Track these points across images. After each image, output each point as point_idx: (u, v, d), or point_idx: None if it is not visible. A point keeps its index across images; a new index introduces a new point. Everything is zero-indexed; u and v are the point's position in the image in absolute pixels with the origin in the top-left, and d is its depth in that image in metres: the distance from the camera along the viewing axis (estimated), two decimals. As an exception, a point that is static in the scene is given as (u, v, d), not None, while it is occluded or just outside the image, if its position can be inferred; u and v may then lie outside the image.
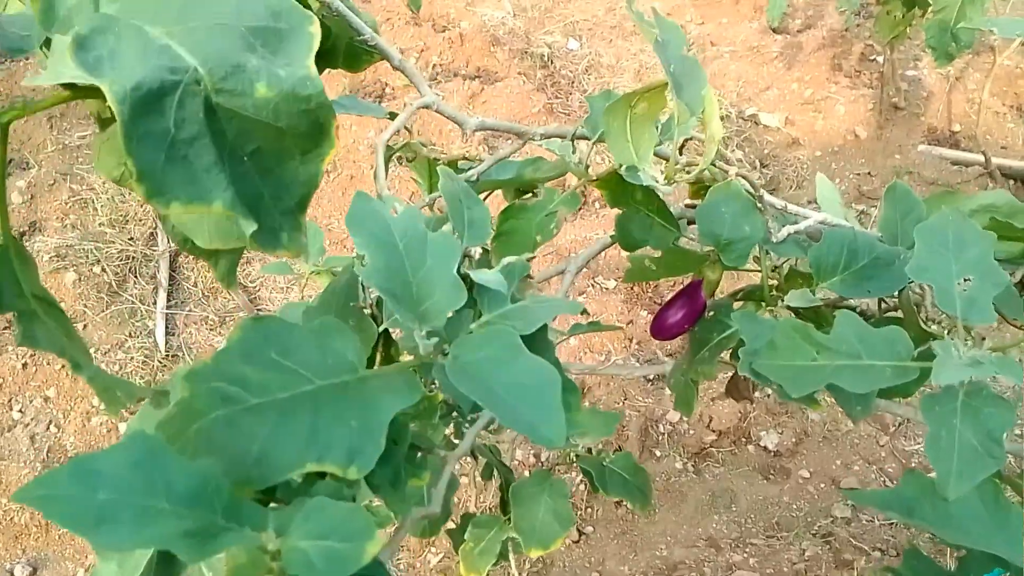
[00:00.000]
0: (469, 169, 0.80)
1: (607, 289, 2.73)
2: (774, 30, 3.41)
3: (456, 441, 0.68)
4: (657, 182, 0.60)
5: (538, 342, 0.50)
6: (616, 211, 0.80)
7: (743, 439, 2.42)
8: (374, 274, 0.45)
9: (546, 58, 3.39)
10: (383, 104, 3.21)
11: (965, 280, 0.62)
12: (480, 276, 0.47)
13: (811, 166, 2.97)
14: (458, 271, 0.48)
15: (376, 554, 0.35)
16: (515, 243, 0.68)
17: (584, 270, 2.87)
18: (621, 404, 2.44)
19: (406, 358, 0.69)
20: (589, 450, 1.04)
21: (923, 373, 0.65)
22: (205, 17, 0.40)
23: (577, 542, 2.23)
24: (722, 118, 3.12)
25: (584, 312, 0.50)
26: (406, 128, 0.72)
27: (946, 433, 0.59)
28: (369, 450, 0.40)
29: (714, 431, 2.42)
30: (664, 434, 2.43)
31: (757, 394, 2.50)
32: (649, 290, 2.66)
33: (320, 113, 0.41)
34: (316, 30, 0.43)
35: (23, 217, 2.75)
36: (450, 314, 0.47)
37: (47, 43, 0.43)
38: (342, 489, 0.38)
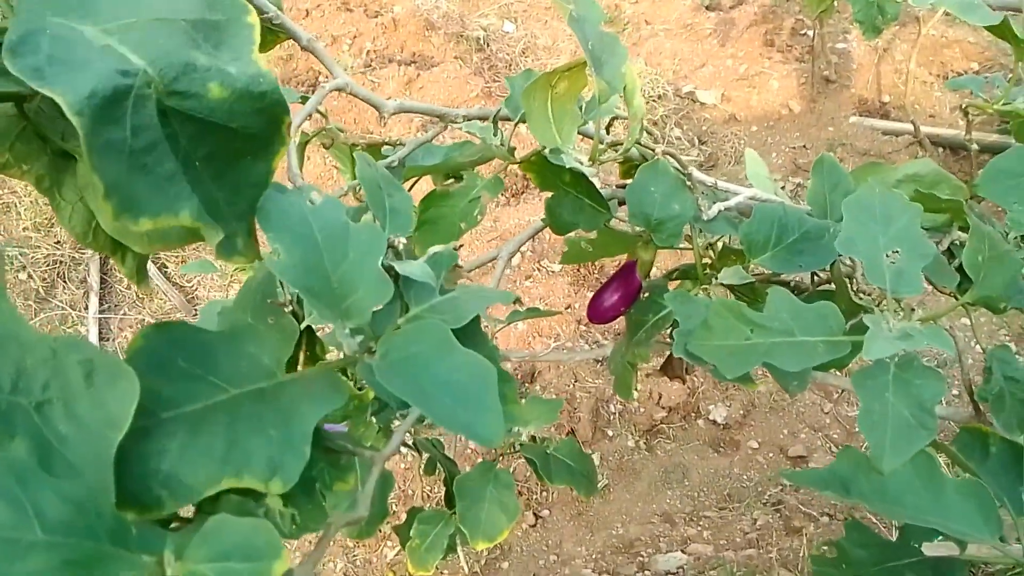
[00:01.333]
0: (391, 155, 0.77)
1: (553, 272, 2.72)
2: (707, 7, 3.43)
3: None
4: (581, 164, 0.58)
5: (471, 334, 0.48)
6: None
7: (692, 414, 2.45)
8: (289, 270, 0.42)
9: (482, 41, 3.35)
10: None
11: (893, 252, 0.62)
12: (406, 268, 0.45)
13: (748, 141, 3.00)
14: (382, 263, 0.45)
15: (285, 571, 0.33)
16: (439, 232, 0.66)
17: (530, 254, 2.86)
18: (572, 386, 2.44)
19: (333, 355, 0.67)
20: (533, 438, 1.03)
21: (855, 346, 0.65)
22: (139, 11, 0.37)
23: (534, 526, 2.23)
24: (659, 96, 3.13)
25: (517, 300, 0.47)
26: (320, 112, 0.68)
27: (879, 406, 0.59)
28: (292, 462, 0.37)
29: (664, 408, 2.44)
30: (615, 413, 2.45)
31: (697, 372, 2.53)
32: (596, 271, 2.66)
33: (275, 111, 0.39)
34: (254, 19, 0.40)
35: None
36: (376, 309, 0.44)
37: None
38: (248, 503, 0.36)
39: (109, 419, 0.33)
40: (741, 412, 2.44)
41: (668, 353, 0.87)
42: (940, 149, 2.82)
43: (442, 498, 2.18)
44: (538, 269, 2.71)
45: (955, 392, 2.31)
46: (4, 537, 0.27)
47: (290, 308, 0.66)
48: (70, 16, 0.35)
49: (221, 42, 0.37)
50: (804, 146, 2.96)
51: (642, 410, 2.43)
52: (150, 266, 2.62)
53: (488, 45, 3.35)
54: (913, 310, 0.66)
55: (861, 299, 0.73)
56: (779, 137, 3.01)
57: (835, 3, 2.65)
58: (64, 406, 0.34)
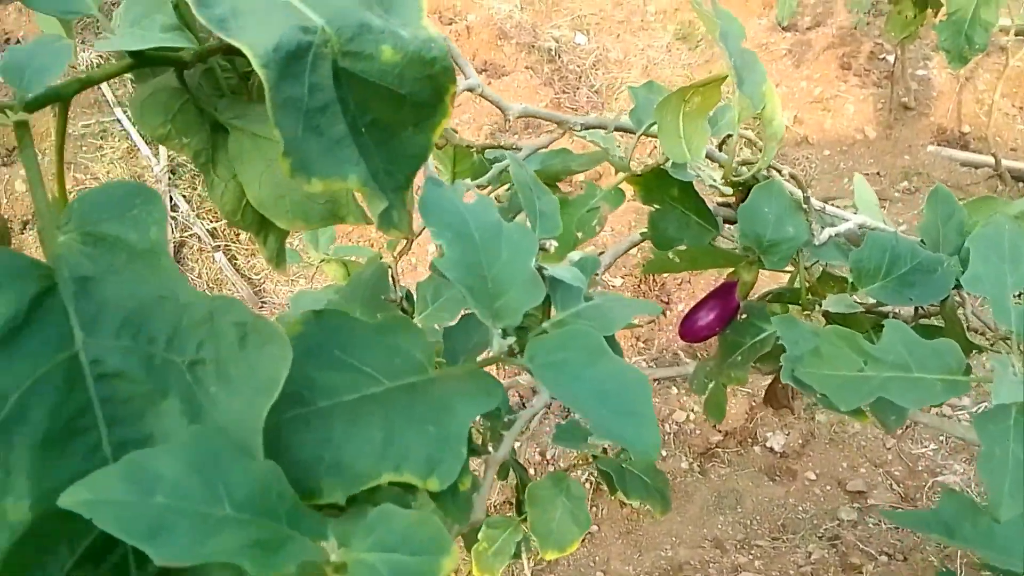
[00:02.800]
0: (495, 160, 0.78)
1: (613, 287, 2.70)
2: (783, 27, 3.39)
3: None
4: (716, 181, 0.57)
5: (611, 344, 0.47)
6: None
7: (749, 440, 2.40)
8: (452, 266, 0.42)
9: (553, 52, 3.36)
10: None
11: (1021, 293, 0.60)
12: (557, 271, 0.45)
13: (820, 165, 2.95)
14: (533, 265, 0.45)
15: (452, 569, 0.32)
16: (557, 240, 0.66)
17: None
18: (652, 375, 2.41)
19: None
20: (604, 450, 1.02)
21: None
22: None
23: (582, 541, 2.22)
24: (730, 115, 3.10)
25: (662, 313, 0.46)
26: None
27: (999, 452, 0.57)
28: (450, 460, 0.37)
29: (720, 431, 2.40)
30: (670, 434, 2.41)
31: (756, 397, 2.48)
32: (656, 287, 2.63)
33: (442, 79, 0.38)
34: None
35: (27, 207, 2.71)
36: (528, 311, 0.44)
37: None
38: (406, 497, 0.36)
39: (260, 384, 0.33)
40: (800, 441, 2.39)
41: (771, 381, 0.85)
42: (1021, 184, 2.73)
43: (495, 506, 2.18)
44: (598, 282, 2.70)
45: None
46: (197, 511, 0.27)
47: (398, 305, 0.66)
48: None
49: (391, 6, 0.37)
50: (878, 173, 2.89)
51: (698, 432, 2.40)
52: (220, 256, 2.68)
53: (559, 56, 3.36)
54: (1035, 352, 0.64)
55: (974, 338, 0.71)
56: (852, 163, 2.94)
57: (919, 29, 2.60)
58: (216, 367, 0.33)
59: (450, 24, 3.48)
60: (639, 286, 2.66)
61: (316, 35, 0.35)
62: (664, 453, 2.36)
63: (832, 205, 0.77)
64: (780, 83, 3.21)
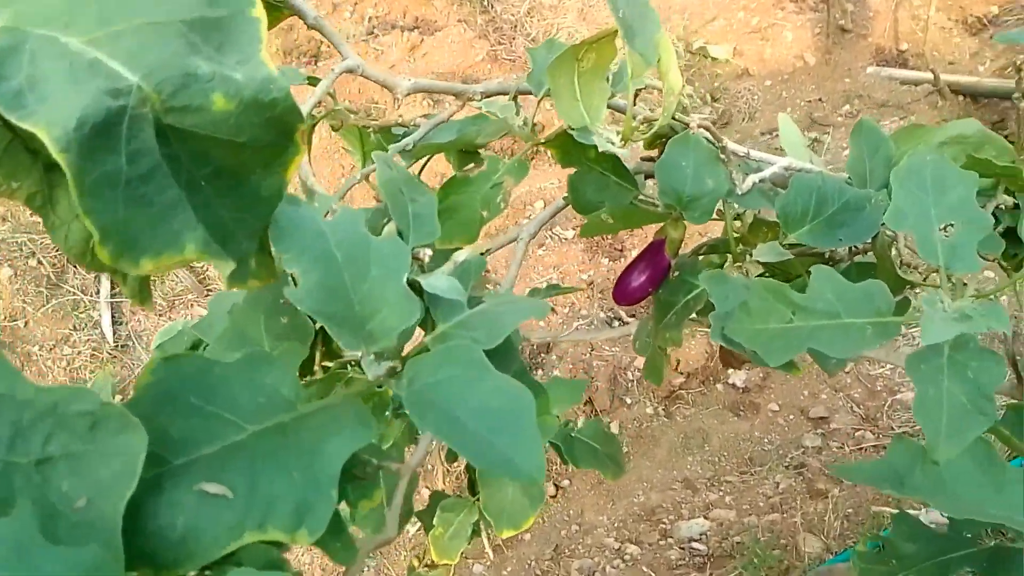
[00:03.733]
0: (404, 136, 0.73)
1: (566, 239, 2.67)
2: (716, -42, 3.32)
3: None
4: (613, 144, 0.54)
5: (502, 349, 0.44)
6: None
7: (711, 379, 2.42)
8: (307, 296, 0.38)
9: (486, 3, 3.26)
10: (319, 65, 3.06)
11: (947, 226, 0.57)
12: (432, 284, 0.41)
13: (762, 96, 2.92)
14: (406, 278, 0.41)
15: None
16: (460, 221, 0.62)
17: (541, 221, 2.82)
18: (588, 355, 2.42)
19: (349, 354, 0.63)
20: (556, 419, 1.00)
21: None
22: (130, 15, 0.32)
23: (554, 496, 2.23)
24: (669, 53, 3.05)
25: (552, 310, 0.43)
26: (329, 94, 0.64)
27: (934, 392, 0.55)
28: (319, 508, 0.34)
29: (682, 373, 2.41)
30: (633, 381, 2.42)
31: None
32: (611, 238, 2.61)
33: (287, 120, 0.34)
34: (260, 12, 0.35)
35: None
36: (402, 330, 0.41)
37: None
38: (272, 552, 0.33)
39: (116, 474, 0.30)
40: (760, 375, 2.41)
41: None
42: (960, 97, 2.74)
43: (462, 474, 2.18)
44: (551, 236, 2.67)
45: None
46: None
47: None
48: (53, 26, 0.30)
49: (224, 42, 0.33)
50: (820, 99, 2.88)
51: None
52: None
53: (492, 6, 3.26)
54: (965, 285, 0.62)
55: (906, 273, 0.69)
56: (794, 91, 2.93)
57: (850, -51, 2.56)
58: (67, 462, 0.30)
59: (376, -19, 3.35)
60: (592, 237, 2.64)
61: (131, 96, 0.30)
62: (629, 401, 2.37)
63: (757, 150, 0.74)
64: (717, 16, 3.16)
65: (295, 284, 0.38)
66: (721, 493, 2.20)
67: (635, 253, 0.74)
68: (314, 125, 0.65)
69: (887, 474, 0.60)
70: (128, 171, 0.32)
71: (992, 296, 0.61)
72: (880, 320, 0.60)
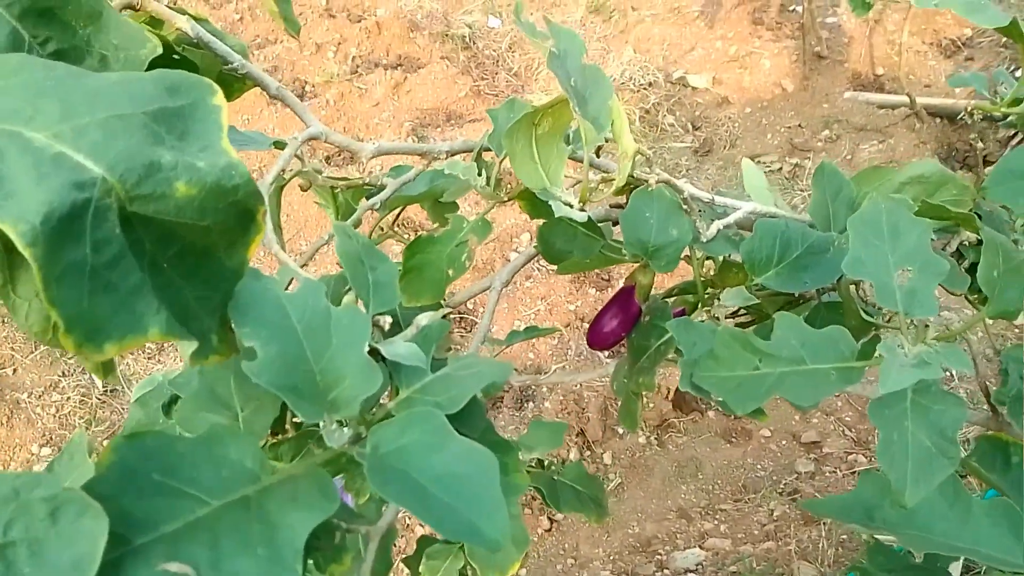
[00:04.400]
0: (374, 193, 0.74)
1: (552, 270, 2.68)
2: (693, -11, 3.38)
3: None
4: (572, 207, 0.55)
5: (467, 410, 0.45)
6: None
7: (704, 405, 2.42)
8: (266, 369, 0.39)
9: (468, 39, 3.30)
10: (304, 103, 3.09)
11: (904, 271, 0.59)
12: (393, 351, 0.42)
13: (742, 123, 2.96)
14: (368, 346, 0.42)
15: None
16: (425, 280, 0.63)
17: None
18: (579, 386, 2.42)
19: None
20: (540, 462, 1.00)
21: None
22: (94, 108, 0.33)
23: (549, 530, 2.21)
24: (650, 84, 3.09)
25: (516, 371, 0.44)
26: (297, 156, 0.65)
27: (898, 436, 0.56)
28: None
29: (673, 401, 2.41)
30: (620, 405, 2.42)
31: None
32: (599, 270, 2.62)
33: (248, 202, 0.35)
34: (221, 100, 0.36)
35: None
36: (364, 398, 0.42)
37: None
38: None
39: (78, 559, 0.31)
40: (751, 401, 2.41)
41: (677, 387, 0.84)
42: (937, 120, 2.78)
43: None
44: (538, 268, 2.68)
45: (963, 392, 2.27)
46: None
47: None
48: (17, 121, 0.32)
49: (187, 131, 0.34)
50: (800, 125, 2.92)
51: (651, 405, 2.41)
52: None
53: (474, 43, 3.31)
54: (927, 326, 0.63)
55: (872, 314, 0.70)
56: (774, 117, 2.96)
57: (822, -22, 2.61)
58: (29, 548, 0.31)
59: (359, 21, 3.40)
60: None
61: (95, 188, 0.31)
62: (620, 431, 2.37)
63: (725, 194, 0.76)
64: (695, 46, 3.21)
65: (254, 360, 0.39)
66: (716, 522, 2.19)
67: (622, 283, 0.75)
68: (282, 187, 0.67)
69: (855, 508, 0.60)
70: (93, 260, 0.33)
71: (958, 336, 0.62)
72: (844, 365, 0.61)
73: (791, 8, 3.19)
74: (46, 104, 0.33)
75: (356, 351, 0.39)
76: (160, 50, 0.43)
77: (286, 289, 0.45)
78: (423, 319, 0.43)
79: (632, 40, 3.29)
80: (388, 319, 0.43)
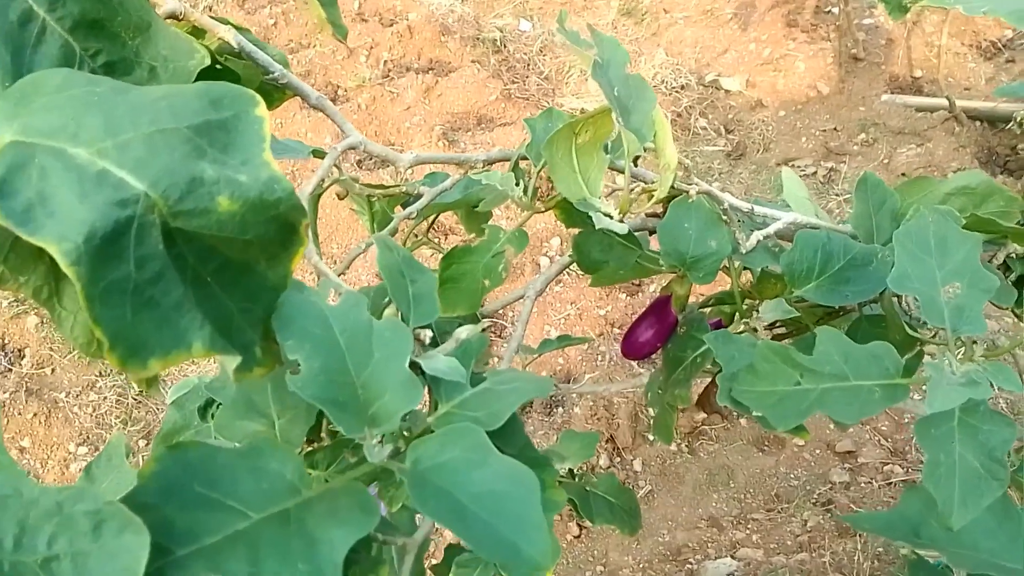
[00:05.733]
0: (410, 201, 0.74)
1: (583, 275, 2.67)
2: (726, -9, 3.35)
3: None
4: (611, 218, 0.54)
5: (506, 425, 0.44)
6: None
7: (734, 413, 2.39)
8: (310, 383, 0.39)
9: (499, 43, 3.31)
10: (336, 107, 3.11)
11: (952, 287, 0.57)
12: (433, 366, 0.42)
13: (776, 127, 2.92)
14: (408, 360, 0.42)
15: None
16: (462, 290, 0.63)
17: (559, 258, 2.82)
18: (609, 392, 2.40)
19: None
20: (571, 473, 0.99)
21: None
22: (138, 124, 0.33)
23: (578, 537, 2.20)
24: (683, 87, 3.06)
25: (556, 386, 0.44)
26: (335, 165, 0.66)
27: (945, 457, 0.55)
28: None
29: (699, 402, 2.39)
30: (655, 417, 2.40)
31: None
32: (626, 272, 2.60)
33: (291, 216, 0.35)
34: (263, 112, 0.37)
35: None
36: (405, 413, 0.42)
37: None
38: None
39: (119, 573, 0.31)
40: (784, 409, 2.38)
41: (706, 385, 0.83)
42: (977, 123, 2.71)
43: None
44: (568, 273, 2.67)
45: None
46: None
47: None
48: (61, 138, 0.32)
49: (229, 143, 0.34)
50: (835, 128, 2.87)
51: (683, 412, 2.38)
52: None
53: (505, 46, 3.31)
54: (975, 343, 0.61)
55: (917, 330, 0.68)
56: (808, 121, 2.92)
57: (859, -20, 2.57)
58: (73, 561, 0.31)
59: (391, 25, 3.42)
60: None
61: (138, 204, 0.32)
62: (651, 437, 2.35)
63: (765, 204, 0.75)
64: (729, 48, 3.18)
65: (298, 374, 0.39)
66: (748, 531, 2.16)
67: (653, 289, 0.74)
68: (319, 196, 0.67)
69: (900, 525, 0.59)
70: (136, 276, 0.33)
71: (1006, 354, 0.60)
72: (889, 382, 0.59)
73: (827, 10, 3.14)
74: (90, 120, 0.33)
75: (398, 365, 0.39)
76: (208, 61, 0.43)
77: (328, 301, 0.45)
78: (463, 332, 0.43)
79: (664, 43, 3.26)
80: (428, 332, 0.43)
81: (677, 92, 3.06)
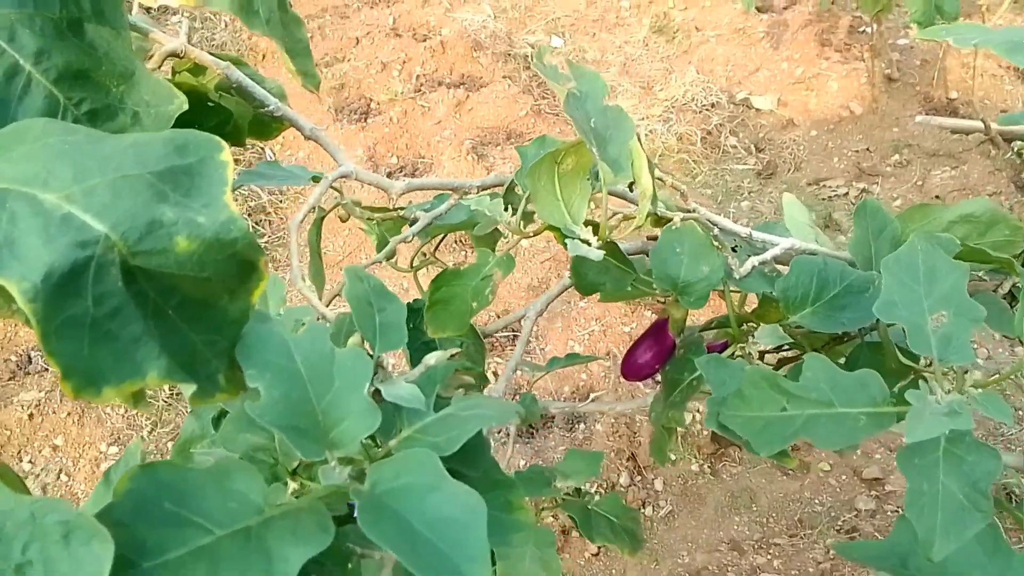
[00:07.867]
0: (413, 219, 0.76)
1: (608, 292, 2.67)
2: (758, 9, 3.34)
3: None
4: (590, 245, 0.56)
5: (471, 449, 0.45)
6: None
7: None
8: (268, 410, 0.41)
9: (530, 59, 3.33)
10: (368, 121, 3.17)
11: (939, 315, 0.57)
12: (393, 392, 0.43)
13: (808, 146, 2.90)
14: (370, 386, 0.44)
15: None
16: (451, 312, 0.64)
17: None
18: (631, 409, 2.39)
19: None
20: (578, 490, 1.00)
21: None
22: (104, 170, 0.36)
23: (596, 555, 2.19)
24: (713, 105, 3.06)
25: (519, 413, 0.44)
26: (334, 188, 0.68)
27: (928, 487, 0.54)
28: None
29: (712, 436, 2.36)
30: (678, 436, 2.38)
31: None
32: (650, 290, 2.60)
33: (248, 254, 0.37)
34: (227, 156, 0.39)
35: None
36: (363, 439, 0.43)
37: None
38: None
39: None
40: (809, 432, 2.35)
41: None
42: (1014, 145, 2.66)
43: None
44: (593, 289, 2.67)
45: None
46: None
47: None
48: (33, 184, 0.34)
49: (192, 187, 0.36)
50: (868, 149, 2.84)
51: (705, 433, 2.37)
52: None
53: (536, 63, 3.33)
54: (966, 372, 0.61)
55: (911, 360, 0.68)
56: (840, 141, 2.89)
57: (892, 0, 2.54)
58: (44, 566, 0.34)
59: (424, 40, 3.47)
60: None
61: (98, 245, 0.34)
62: (673, 457, 2.33)
63: (766, 228, 0.75)
64: (760, 67, 3.17)
65: (258, 401, 0.40)
66: (769, 556, 2.13)
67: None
68: (322, 219, 0.69)
69: (889, 556, 0.58)
70: (94, 312, 0.35)
71: (1003, 382, 0.59)
72: (875, 410, 0.59)
73: (860, 29, 3.12)
74: (60, 167, 0.36)
75: (357, 392, 0.41)
76: (186, 106, 0.46)
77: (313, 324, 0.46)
78: (431, 359, 0.45)
79: (695, 60, 3.26)
80: (392, 359, 0.44)
81: (708, 110, 3.05)
